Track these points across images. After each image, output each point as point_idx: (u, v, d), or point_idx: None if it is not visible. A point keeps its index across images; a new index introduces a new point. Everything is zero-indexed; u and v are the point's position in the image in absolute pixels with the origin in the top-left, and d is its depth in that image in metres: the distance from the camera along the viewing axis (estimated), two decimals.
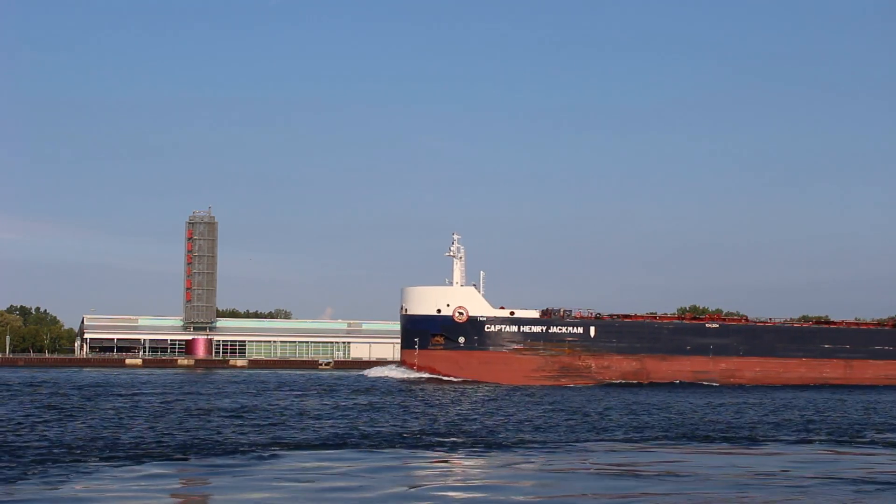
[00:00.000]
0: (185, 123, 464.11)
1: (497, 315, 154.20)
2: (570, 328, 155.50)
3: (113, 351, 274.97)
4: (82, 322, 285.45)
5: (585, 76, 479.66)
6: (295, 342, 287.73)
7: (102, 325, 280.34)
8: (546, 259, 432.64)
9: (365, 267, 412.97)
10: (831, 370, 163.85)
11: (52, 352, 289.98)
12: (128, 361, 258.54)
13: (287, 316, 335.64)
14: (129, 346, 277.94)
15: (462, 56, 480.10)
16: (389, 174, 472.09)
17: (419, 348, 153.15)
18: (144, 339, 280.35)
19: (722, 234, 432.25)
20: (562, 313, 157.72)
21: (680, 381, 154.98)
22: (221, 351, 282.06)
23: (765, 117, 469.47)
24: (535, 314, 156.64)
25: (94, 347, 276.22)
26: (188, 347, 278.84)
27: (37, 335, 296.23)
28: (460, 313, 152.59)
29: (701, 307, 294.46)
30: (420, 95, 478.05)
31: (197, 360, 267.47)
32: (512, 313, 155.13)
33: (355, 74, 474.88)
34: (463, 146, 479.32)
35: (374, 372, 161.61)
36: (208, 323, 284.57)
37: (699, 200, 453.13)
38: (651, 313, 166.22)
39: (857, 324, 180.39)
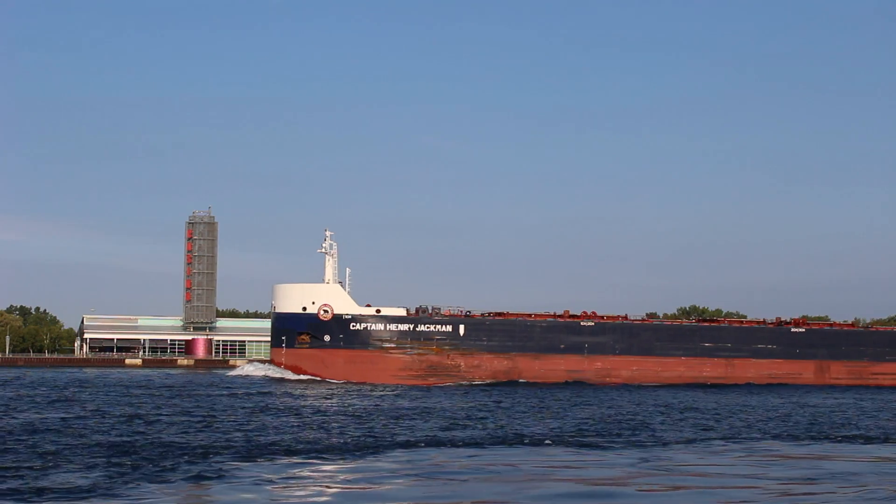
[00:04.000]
0: (185, 123, 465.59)
1: (362, 313, 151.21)
2: (439, 326, 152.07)
3: (113, 351, 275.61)
4: (82, 322, 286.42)
5: (585, 76, 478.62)
6: None
7: (102, 325, 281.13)
8: (546, 259, 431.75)
9: (364, 267, 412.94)
10: (711, 369, 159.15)
11: (51, 352, 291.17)
12: (127, 361, 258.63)
13: None
14: (128, 346, 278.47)
15: (462, 56, 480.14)
16: (389, 174, 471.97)
17: (286, 347, 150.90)
18: (144, 339, 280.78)
19: (722, 234, 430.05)
20: (430, 311, 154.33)
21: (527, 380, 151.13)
22: (221, 351, 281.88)
23: (765, 117, 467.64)
24: (401, 312, 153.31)
25: (94, 347, 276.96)
26: (188, 347, 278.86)
27: (37, 335, 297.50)
28: (325, 311, 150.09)
29: (701, 307, 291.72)
30: (420, 95, 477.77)
31: (197, 360, 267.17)
32: (378, 311, 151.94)
33: (355, 74, 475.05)
34: (462, 146, 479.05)
35: (237, 371, 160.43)
36: (208, 323, 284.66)
37: (698, 200, 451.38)
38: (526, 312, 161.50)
39: (739, 322, 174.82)
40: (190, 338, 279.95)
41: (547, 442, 59.55)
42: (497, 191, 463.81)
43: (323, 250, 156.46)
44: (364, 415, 78.42)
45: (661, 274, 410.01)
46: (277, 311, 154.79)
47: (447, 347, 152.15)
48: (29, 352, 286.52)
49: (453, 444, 57.78)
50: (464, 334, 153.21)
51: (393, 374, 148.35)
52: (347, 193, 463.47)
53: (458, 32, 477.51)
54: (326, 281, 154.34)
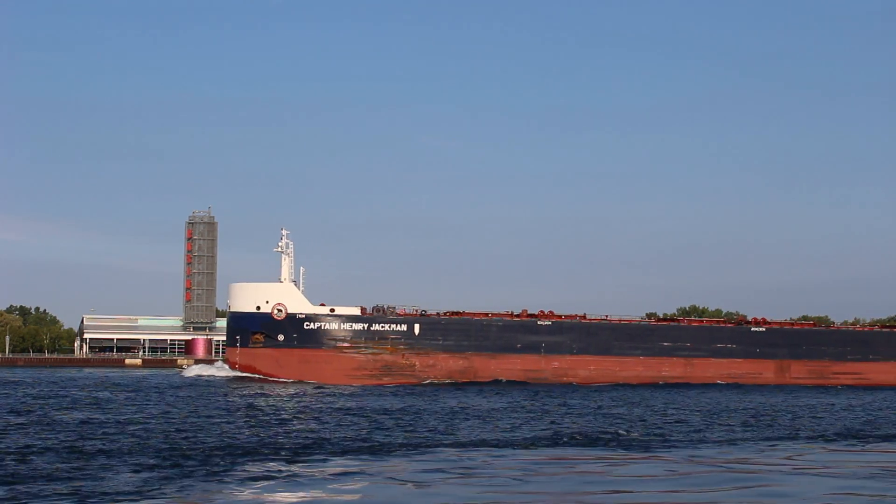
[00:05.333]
0: (185, 123, 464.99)
1: (316, 312, 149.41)
2: (394, 325, 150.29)
3: (112, 351, 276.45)
4: (82, 322, 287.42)
5: (585, 76, 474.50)
6: None
7: (102, 325, 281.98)
8: (545, 259, 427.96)
9: (363, 267, 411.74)
10: (670, 368, 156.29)
11: (51, 352, 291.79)
12: (127, 362, 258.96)
13: None
14: (128, 347, 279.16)
15: (461, 56, 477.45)
16: (389, 174, 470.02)
17: (241, 346, 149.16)
18: (144, 340, 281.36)
19: (722, 234, 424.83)
20: (385, 310, 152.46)
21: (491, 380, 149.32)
22: (221, 351, 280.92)
23: (765, 117, 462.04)
24: (356, 311, 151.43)
25: (94, 347, 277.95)
26: (188, 347, 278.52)
27: (36, 335, 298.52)
28: (279, 310, 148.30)
29: (701, 307, 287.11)
30: (420, 95, 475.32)
31: (196, 361, 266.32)
32: (332, 310, 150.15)
33: (355, 74, 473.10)
34: (462, 146, 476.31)
35: (191, 371, 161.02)
36: (208, 323, 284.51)
37: (698, 200, 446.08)
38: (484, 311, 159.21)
39: (698, 321, 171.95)
40: (190, 338, 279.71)
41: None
42: (493, 191, 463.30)
43: (279, 249, 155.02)
44: (413, 415, 77.83)
45: (660, 274, 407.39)
46: (232, 310, 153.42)
47: (402, 347, 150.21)
48: (29, 352, 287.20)
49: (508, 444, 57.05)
50: (419, 333, 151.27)
51: (347, 373, 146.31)
52: (347, 193, 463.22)
53: (457, 32, 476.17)
54: (282, 280, 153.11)
